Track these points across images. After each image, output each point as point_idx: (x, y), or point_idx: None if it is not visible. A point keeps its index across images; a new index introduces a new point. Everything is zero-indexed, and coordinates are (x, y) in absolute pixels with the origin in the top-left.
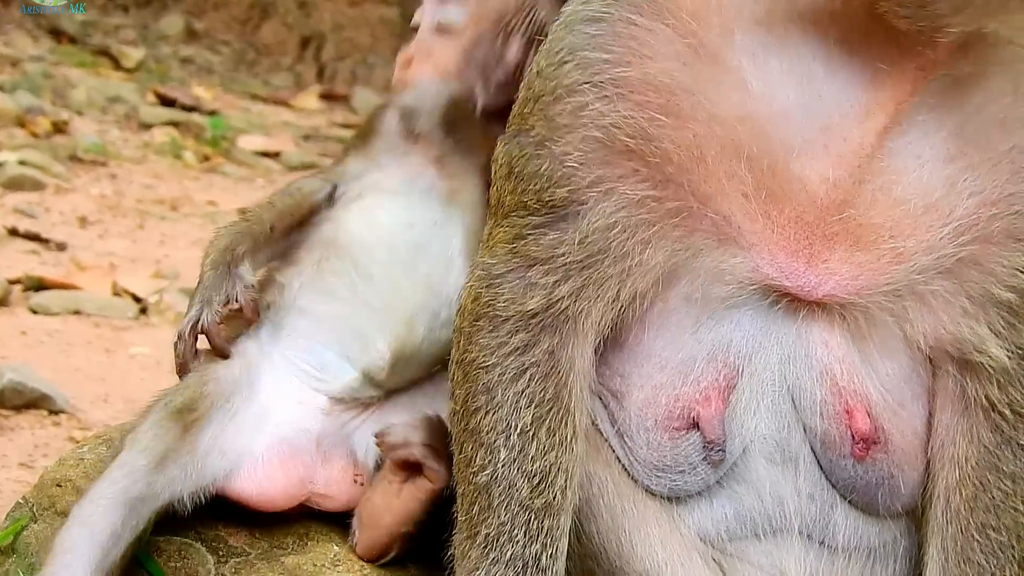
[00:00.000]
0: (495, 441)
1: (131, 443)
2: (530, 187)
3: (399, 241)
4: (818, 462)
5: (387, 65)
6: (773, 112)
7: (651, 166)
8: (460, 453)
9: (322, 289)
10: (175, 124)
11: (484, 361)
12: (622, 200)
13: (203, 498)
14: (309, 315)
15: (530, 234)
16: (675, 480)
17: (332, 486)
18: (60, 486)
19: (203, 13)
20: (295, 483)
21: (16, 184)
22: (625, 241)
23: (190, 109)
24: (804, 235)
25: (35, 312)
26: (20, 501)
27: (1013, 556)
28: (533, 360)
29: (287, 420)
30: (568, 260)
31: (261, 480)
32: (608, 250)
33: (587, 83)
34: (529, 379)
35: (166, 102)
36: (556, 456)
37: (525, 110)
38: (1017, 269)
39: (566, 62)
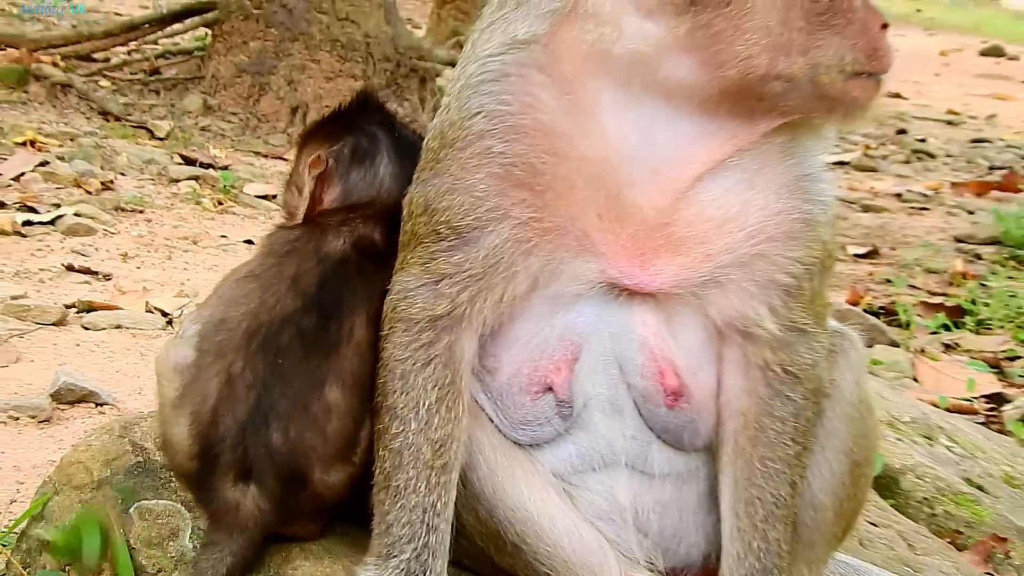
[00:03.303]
0: (407, 415)
1: None
2: (443, 218)
3: None
4: (639, 411)
5: None
6: (621, 155)
7: (536, 194)
8: (379, 424)
9: None
10: (196, 178)
11: (400, 355)
12: (512, 222)
13: None
14: None
15: (441, 255)
16: (535, 431)
17: None
18: (74, 466)
19: (216, 92)
20: None
21: (72, 231)
22: (512, 254)
23: (207, 166)
24: (639, 247)
25: (86, 328)
26: (46, 479)
27: (786, 479)
28: (437, 353)
29: None
30: (471, 273)
31: None
32: (500, 263)
33: (492, 131)
34: (434, 367)
35: (189, 162)
36: (452, 427)
37: (440, 155)
38: (794, 259)
39: (476, 114)
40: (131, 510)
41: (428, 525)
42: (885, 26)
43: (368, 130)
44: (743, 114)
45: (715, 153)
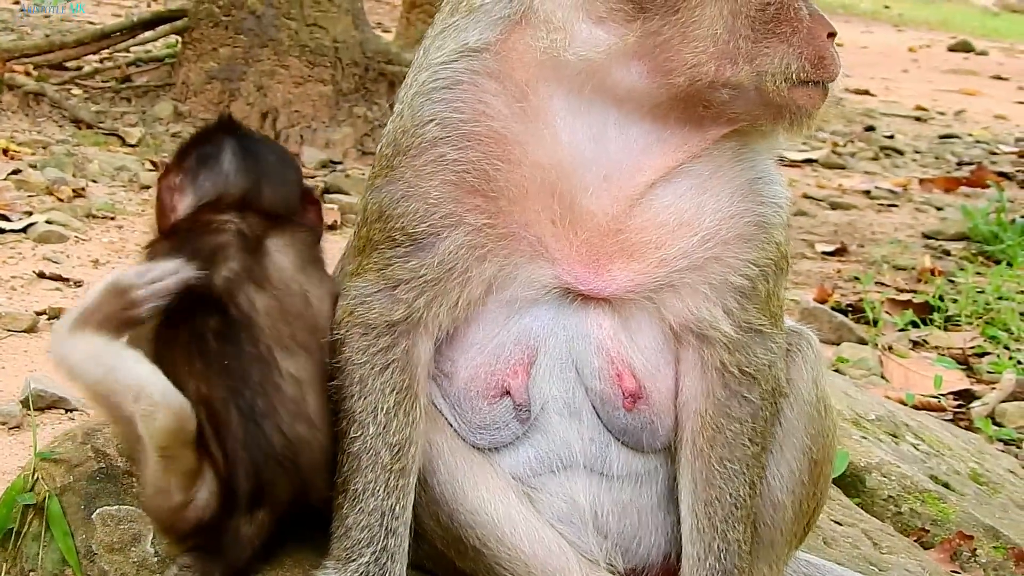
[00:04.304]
0: (365, 419)
1: None
2: (398, 224)
3: None
4: (597, 413)
5: (326, 129)
6: (574, 161)
7: (489, 200)
8: (338, 428)
9: None
10: None
11: (358, 359)
12: (467, 228)
13: None
14: None
15: (397, 261)
16: (493, 435)
17: None
18: (37, 473)
19: (187, 98)
20: None
21: (44, 239)
22: (467, 260)
23: None
24: (593, 253)
25: None
26: (8, 487)
27: (744, 479)
28: (395, 357)
29: None
30: (427, 279)
31: None
32: (455, 268)
33: (445, 138)
34: (391, 372)
35: (160, 168)
36: (409, 431)
37: (394, 163)
38: (749, 261)
39: (429, 121)
40: (93, 516)
41: (387, 529)
42: (831, 35)
43: (213, 138)
44: (692, 120)
45: (667, 159)
